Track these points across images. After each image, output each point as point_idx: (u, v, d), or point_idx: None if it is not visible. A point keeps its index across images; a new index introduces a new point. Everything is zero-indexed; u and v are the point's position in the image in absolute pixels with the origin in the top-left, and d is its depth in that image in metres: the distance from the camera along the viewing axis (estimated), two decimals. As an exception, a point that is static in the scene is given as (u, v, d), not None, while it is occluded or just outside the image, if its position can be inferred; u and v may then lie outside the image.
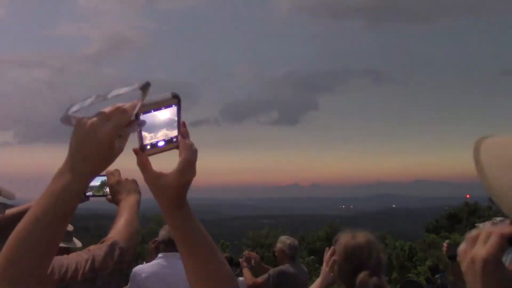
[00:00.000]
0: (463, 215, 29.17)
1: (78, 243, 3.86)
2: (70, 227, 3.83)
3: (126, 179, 1.65)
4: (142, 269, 3.40)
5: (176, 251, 3.49)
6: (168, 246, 3.46)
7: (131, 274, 3.42)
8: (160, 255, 3.50)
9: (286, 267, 4.49)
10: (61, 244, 3.64)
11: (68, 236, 3.81)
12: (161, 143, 0.88)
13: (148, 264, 3.50)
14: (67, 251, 3.70)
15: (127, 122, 0.84)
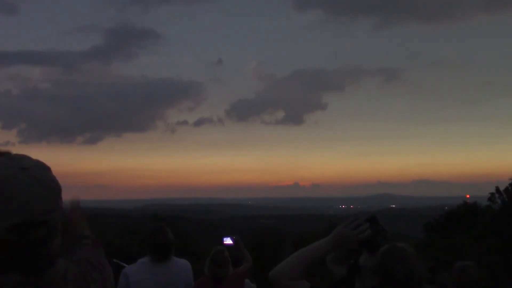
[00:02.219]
0: (462, 215, 29.14)
1: None
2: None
3: None
4: (133, 270, 3.32)
5: (168, 256, 3.40)
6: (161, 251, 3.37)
7: (122, 274, 3.33)
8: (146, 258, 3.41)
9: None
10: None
11: None
12: None
13: (139, 265, 3.39)
14: None
15: None
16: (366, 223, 1.89)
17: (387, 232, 1.94)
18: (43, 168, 1.05)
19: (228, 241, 4.18)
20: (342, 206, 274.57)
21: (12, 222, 0.98)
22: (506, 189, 24.48)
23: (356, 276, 1.94)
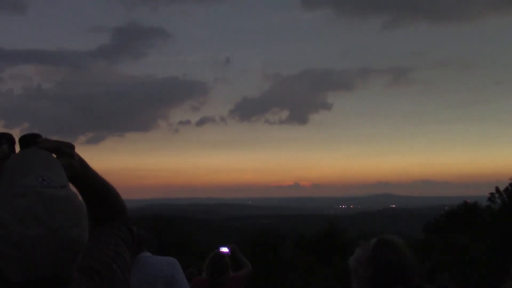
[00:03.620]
0: (462, 215, 29.14)
1: None
2: None
3: None
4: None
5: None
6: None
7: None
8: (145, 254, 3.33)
9: None
10: None
11: None
12: None
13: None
14: None
15: None
16: None
17: None
18: (74, 225, 1.00)
19: (224, 249, 4.12)
20: (342, 206, 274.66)
21: (25, 278, 0.99)
22: (506, 189, 24.49)
23: None
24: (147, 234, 3.40)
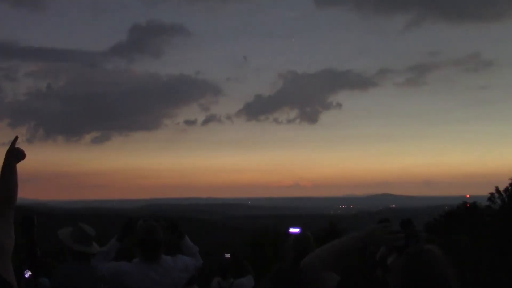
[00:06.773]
0: (462, 215, 29.17)
1: (97, 248, 3.76)
2: (92, 231, 3.77)
3: None
4: (126, 269, 3.20)
5: (158, 254, 3.19)
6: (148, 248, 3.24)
7: (114, 271, 3.17)
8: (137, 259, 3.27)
9: None
10: (81, 249, 3.60)
11: (88, 241, 3.75)
12: None
13: (132, 263, 3.27)
14: (87, 256, 3.63)
15: None
16: (400, 230, 1.90)
17: (420, 236, 1.94)
18: None
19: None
20: (342, 206, 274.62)
21: None
22: (506, 189, 24.50)
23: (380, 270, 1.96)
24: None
